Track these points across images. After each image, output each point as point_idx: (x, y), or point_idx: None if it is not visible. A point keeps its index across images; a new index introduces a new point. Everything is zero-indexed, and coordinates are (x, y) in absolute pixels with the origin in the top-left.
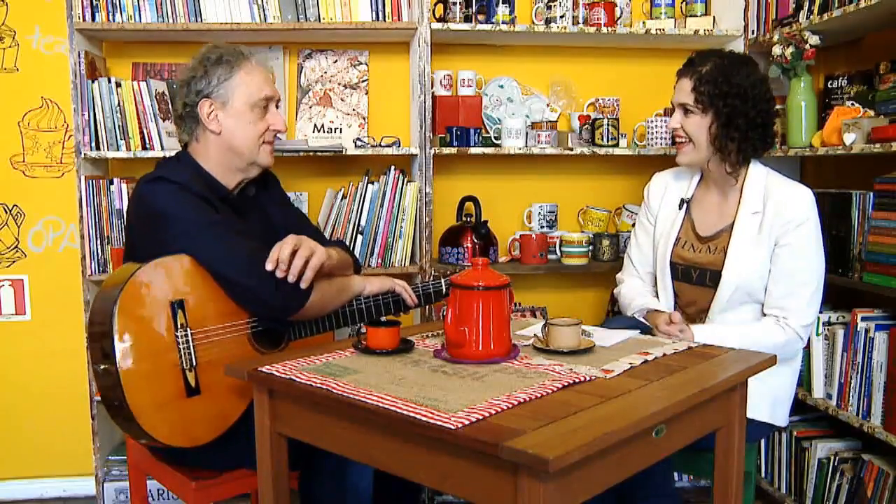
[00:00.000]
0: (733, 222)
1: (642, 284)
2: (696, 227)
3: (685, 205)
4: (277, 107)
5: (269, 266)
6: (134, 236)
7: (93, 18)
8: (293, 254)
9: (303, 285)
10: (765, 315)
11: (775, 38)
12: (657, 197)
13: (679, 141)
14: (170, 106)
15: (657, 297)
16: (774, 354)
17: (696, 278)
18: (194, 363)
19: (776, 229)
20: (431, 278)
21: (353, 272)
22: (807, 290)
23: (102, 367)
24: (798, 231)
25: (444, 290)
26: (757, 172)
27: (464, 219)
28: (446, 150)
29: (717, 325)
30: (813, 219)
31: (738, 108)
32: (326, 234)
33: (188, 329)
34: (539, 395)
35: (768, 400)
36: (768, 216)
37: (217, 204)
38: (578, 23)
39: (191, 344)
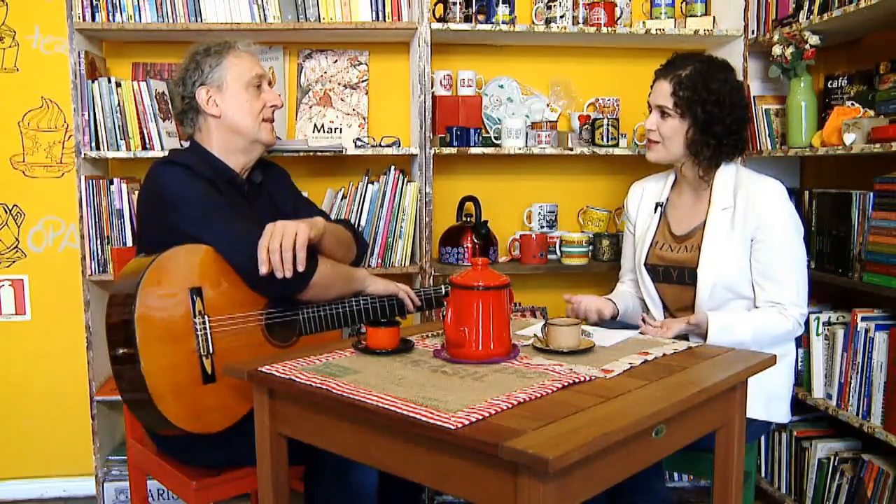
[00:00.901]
0: (706, 219)
1: (626, 288)
2: (671, 228)
3: (660, 208)
4: (271, 86)
5: (262, 271)
6: (143, 218)
7: (93, 18)
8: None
9: (299, 268)
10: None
11: (775, 38)
12: (634, 205)
13: (650, 139)
14: (170, 107)
15: (643, 301)
16: (774, 354)
17: (675, 277)
18: (211, 350)
19: (750, 223)
20: (432, 280)
21: (358, 252)
22: (795, 280)
23: (122, 351)
24: (773, 224)
25: (445, 295)
26: (727, 170)
27: (464, 219)
28: (446, 150)
29: (728, 313)
30: (785, 209)
31: (715, 115)
32: None
33: (206, 316)
34: (539, 395)
35: (762, 397)
36: (739, 210)
37: (224, 188)
38: (578, 23)
39: (208, 331)
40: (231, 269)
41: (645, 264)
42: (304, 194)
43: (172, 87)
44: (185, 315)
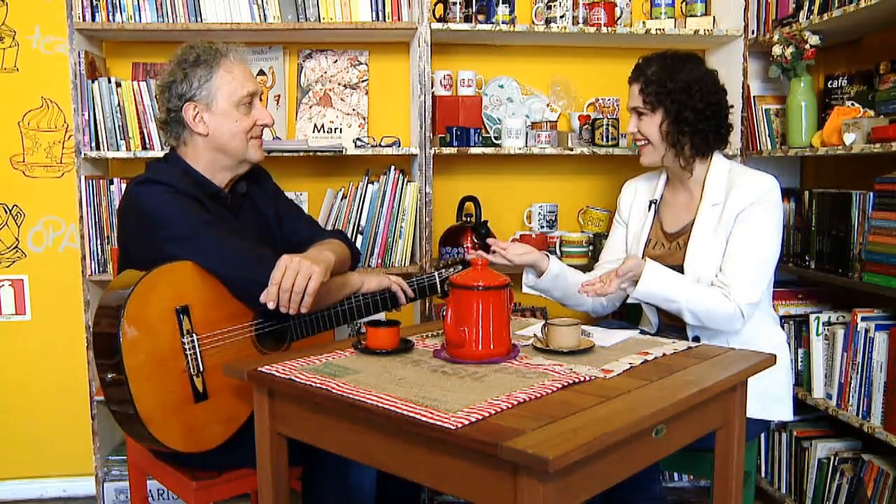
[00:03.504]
0: (696, 216)
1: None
2: (663, 226)
3: (653, 206)
4: (260, 100)
5: (270, 306)
6: (126, 239)
7: (93, 18)
8: (289, 279)
9: (303, 310)
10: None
11: (775, 38)
12: (627, 203)
13: (639, 144)
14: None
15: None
16: (774, 354)
17: None
18: (201, 368)
19: (737, 213)
20: (427, 270)
21: (352, 263)
22: (753, 268)
23: (111, 376)
24: (753, 210)
25: (438, 283)
26: (719, 166)
27: (464, 219)
28: (446, 150)
29: (672, 273)
30: (771, 201)
31: (684, 103)
32: None
33: (194, 335)
34: (539, 395)
35: (758, 395)
36: (729, 205)
37: (207, 202)
38: (578, 23)
39: (197, 349)
40: (217, 284)
41: None
42: (292, 195)
43: (157, 94)
44: (172, 337)
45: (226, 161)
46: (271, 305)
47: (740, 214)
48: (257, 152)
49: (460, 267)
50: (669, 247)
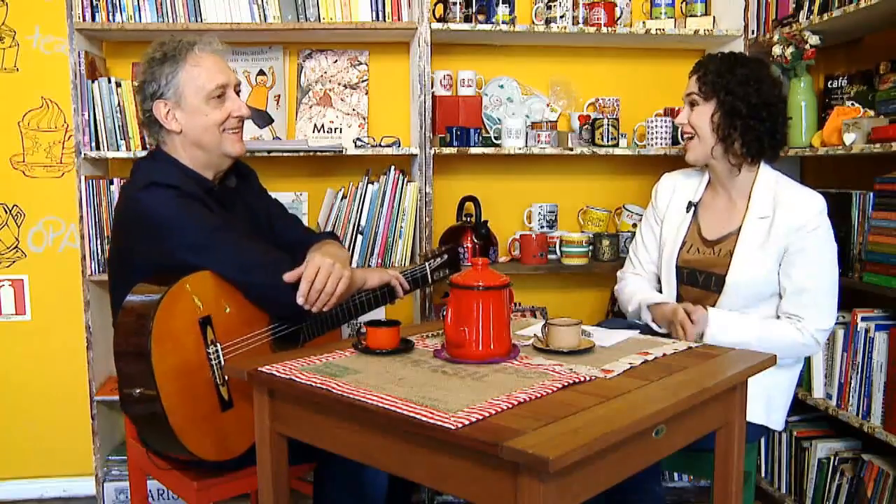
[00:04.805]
0: (741, 226)
1: (646, 282)
2: (702, 231)
3: (693, 208)
4: (238, 91)
5: (300, 301)
6: (130, 246)
7: (93, 18)
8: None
9: (325, 309)
10: (779, 318)
11: (775, 38)
12: (665, 198)
13: (687, 137)
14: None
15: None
16: (774, 354)
17: (701, 282)
18: (227, 377)
19: (788, 235)
20: (419, 262)
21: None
22: (823, 296)
23: (139, 390)
24: (811, 237)
25: (429, 273)
26: (766, 177)
27: (464, 219)
28: (446, 150)
29: (735, 313)
30: (825, 224)
31: (739, 95)
32: None
33: (218, 344)
34: (539, 395)
35: (762, 401)
36: (777, 221)
37: (207, 200)
38: (578, 23)
39: (221, 358)
40: (234, 291)
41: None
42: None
43: (134, 95)
44: (198, 348)
45: (204, 157)
46: (301, 301)
47: (795, 243)
48: (235, 145)
49: (446, 256)
50: (707, 252)
